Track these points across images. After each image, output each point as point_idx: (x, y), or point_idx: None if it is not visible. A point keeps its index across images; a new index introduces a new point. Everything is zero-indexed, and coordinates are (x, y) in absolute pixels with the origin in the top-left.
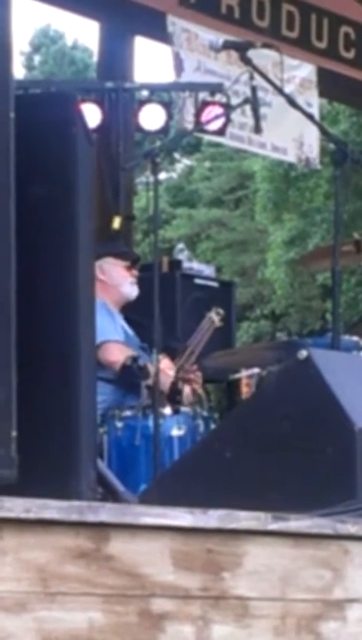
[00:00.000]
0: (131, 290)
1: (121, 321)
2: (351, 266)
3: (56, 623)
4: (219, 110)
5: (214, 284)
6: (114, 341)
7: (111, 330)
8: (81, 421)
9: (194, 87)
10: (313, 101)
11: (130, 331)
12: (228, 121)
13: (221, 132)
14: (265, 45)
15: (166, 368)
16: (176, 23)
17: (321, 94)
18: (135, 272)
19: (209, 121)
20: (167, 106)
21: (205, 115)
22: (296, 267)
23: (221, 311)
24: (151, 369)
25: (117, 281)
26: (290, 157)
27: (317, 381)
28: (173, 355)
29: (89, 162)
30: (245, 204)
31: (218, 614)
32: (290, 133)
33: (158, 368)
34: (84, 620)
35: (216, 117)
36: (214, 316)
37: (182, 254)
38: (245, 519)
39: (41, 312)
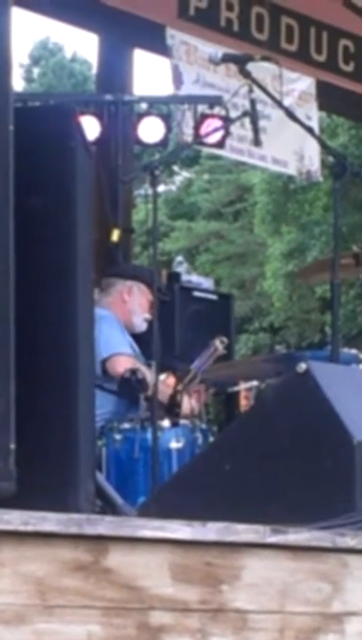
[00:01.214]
0: (140, 325)
1: (129, 338)
2: (350, 278)
3: (54, 635)
4: (218, 123)
5: (213, 296)
6: (125, 354)
7: (122, 343)
8: (79, 434)
9: (193, 100)
10: (312, 114)
11: (137, 348)
12: (227, 133)
13: (220, 145)
14: (264, 58)
15: (169, 384)
16: (175, 36)
17: (320, 107)
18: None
19: (208, 134)
20: (166, 118)
21: (204, 128)
22: (295, 280)
23: (225, 339)
24: (151, 382)
25: (135, 309)
26: (291, 170)
27: (316, 394)
28: (173, 374)
29: (88, 175)
30: (244, 217)
31: (216, 627)
32: (290, 146)
33: (157, 379)
34: (83, 632)
35: (215, 130)
36: (218, 344)
37: (181, 267)
38: (244, 532)
39: (40, 324)
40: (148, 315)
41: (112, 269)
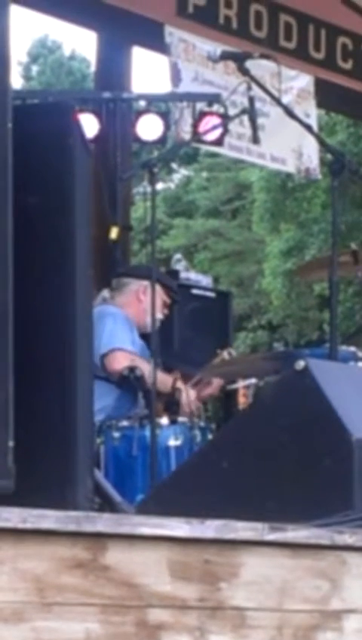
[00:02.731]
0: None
1: (137, 338)
2: (348, 276)
3: (53, 633)
4: (216, 120)
5: (211, 294)
6: (123, 350)
7: (123, 339)
8: (78, 431)
9: (191, 98)
10: (311, 111)
11: (146, 348)
12: (225, 131)
13: (218, 142)
14: (263, 56)
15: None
16: (173, 34)
17: (319, 105)
18: (165, 312)
19: (206, 132)
20: (165, 116)
21: (203, 126)
22: (293, 277)
23: (233, 351)
24: (150, 379)
25: (150, 308)
26: (289, 167)
27: (314, 392)
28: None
29: (86, 172)
30: (242, 215)
31: (215, 625)
32: (289, 143)
33: (155, 373)
34: (81, 630)
35: (214, 127)
36: (226, 355)
37: (180, 265)
38: (242, 530)
39: (39, 322)
40: (161, 315)
41: (125, 269)
